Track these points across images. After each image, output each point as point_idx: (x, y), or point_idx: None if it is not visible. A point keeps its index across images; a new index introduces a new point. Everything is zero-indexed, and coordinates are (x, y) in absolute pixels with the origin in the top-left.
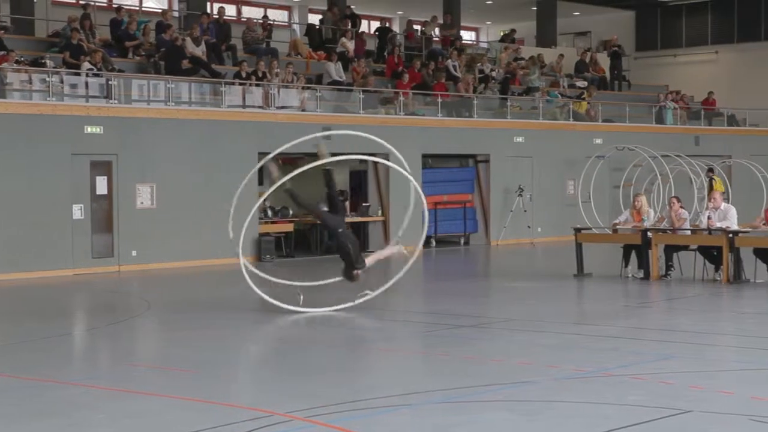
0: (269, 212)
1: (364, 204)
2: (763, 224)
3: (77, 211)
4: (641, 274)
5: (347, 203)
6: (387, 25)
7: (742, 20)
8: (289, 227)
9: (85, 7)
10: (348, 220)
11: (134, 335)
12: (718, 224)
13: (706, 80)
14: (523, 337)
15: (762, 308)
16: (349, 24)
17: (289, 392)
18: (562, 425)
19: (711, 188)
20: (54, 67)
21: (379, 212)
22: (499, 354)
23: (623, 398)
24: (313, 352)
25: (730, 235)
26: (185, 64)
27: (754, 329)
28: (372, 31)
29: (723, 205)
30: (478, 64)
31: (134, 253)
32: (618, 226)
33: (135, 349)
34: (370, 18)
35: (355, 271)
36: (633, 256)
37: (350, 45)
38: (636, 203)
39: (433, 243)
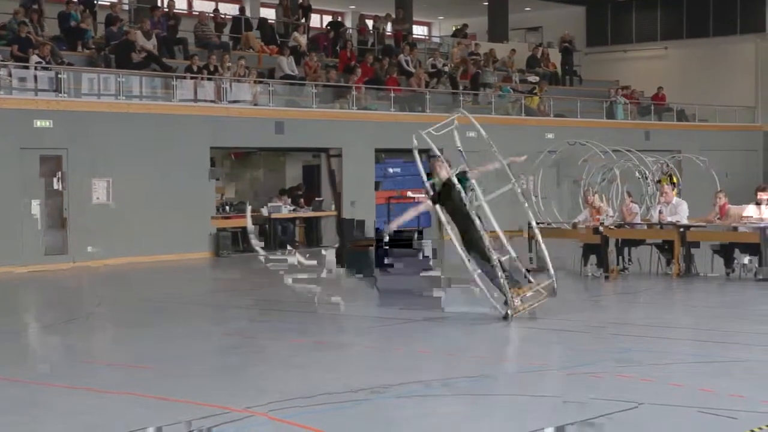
0: (227, 207)
1: (317, 198)
2: (718, 218)
3: (29, 207)
4: (600, 273)
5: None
6: (339, 19)
7: (691, 16)
8: (245, 222)
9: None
10: (301, 215)
11: (89, 332)
12: (669, 218)
13: (656, 76)
14: (479, 331)
15: (711, 301)
16: (302, 18)
17: (245, 388)
18: (517, 419)
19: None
20: (1, 61)
21: (332, 207)
22: (454, 348)
23: (578, 392)
24: (269, 347)
25: (681, 230)
26: (136, 57)
27: (704, 322)
28: (324, 25)
29: (674, 199)
30: (430, 59)
31: (90, 248)
32: (579, 226)
33: (89, 346)
34: (322, 12)
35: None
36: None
37: (302, 39)
38: (590, 201)
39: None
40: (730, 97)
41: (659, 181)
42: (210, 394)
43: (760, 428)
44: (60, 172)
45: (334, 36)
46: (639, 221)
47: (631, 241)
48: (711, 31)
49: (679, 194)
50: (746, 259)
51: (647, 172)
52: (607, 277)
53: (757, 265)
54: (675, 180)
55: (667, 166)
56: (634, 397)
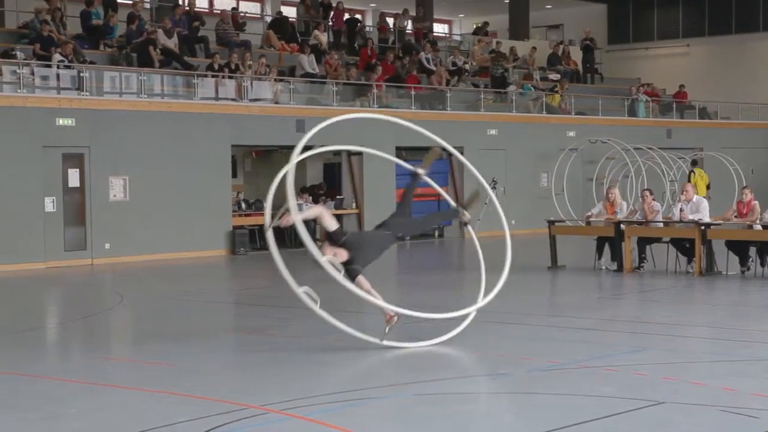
0: (243, 205)
1: (338, 197)
2: (735, 216)
3: (49, 204)
4: (614, 267)
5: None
6: (359, 17)
7: (713, 13)
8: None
9: None
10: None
11: (107, 329)
12: (690, 216)
13: (677, 73)
14: (497, 329)
15: (733, 300)
16: (322, 15)
17: (263, 385)
18: (535, 417)
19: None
20: (24, 59)
21: (353, 205)
22: (473, 346)
23: (596, 390)
24: (289, 345)
25: (702, 228)
26: (157, 56)
27: (726, 321)
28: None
29: (695, 197)
30: (450, 57)
31: (107, 245)
32: (591, 219)
33: (108, 343)
34: (342, 11)
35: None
36: (606, 249)
37: (323, 37)
38: (609, 195)
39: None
40: (752, 95)
41: (692, 171)
42: (228, 391)
43: None
44: (80, 170)
45: (350, 34)
46: (660, 219)
47: (647, 238)
48: (733, 28)
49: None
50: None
51: (667, 171)
52: (620, 271)
53: None
54: (694, 180)
55: (695, 164)
56: (655, 396)
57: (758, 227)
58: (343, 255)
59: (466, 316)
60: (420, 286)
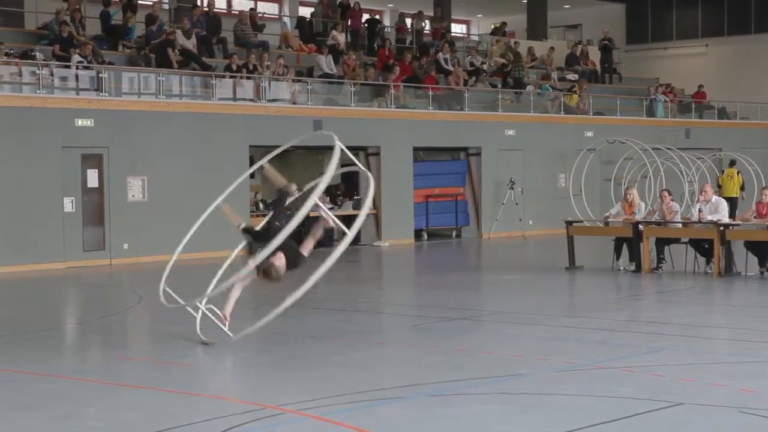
0: (260, 205)
1: (356, 197)
2: (754, 217)
3: (68, 204)
4: (633, 267)
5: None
6: (377, 17)
7: (732, 13)
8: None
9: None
10: (339, 213)
11: (125, 329)
12: (709, 217)
13: (696, 73)
14: (515, 329)
15: (752, 301)
16: (340, 16)
17: (280, 385)
18: (553, 418)
19: (719, 182)
20: (44, 60)
21: (371, 206)
22: (491, 347)
23: (614, 391)
24: (305, 345)
25: (721, 228)
26: (176, 56)
27: (745, 322)
28: (362, 23)
29: (714, 198)
30: (468, 57)
31: (126, 246)
32: (609, 219)
33: (126, 343)
34: (360, 11)
35: None
36: (624, 249)
37: (341, 38)
38: (627, 196)
39: (425, 236)
40: None
41: (728, 168)
42: (245, 391)
43: None
44: (99, 170)
45: (370, 34)
46: (679, 219)
47: (666, 239)
48: (752, 28)
49: (742, 188)
50: None
51: (686, 171)
52: (638, 271)
53: None
54: (722, 180)
55: (732, 163)
56: (674, 397)
57: None
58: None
59: None
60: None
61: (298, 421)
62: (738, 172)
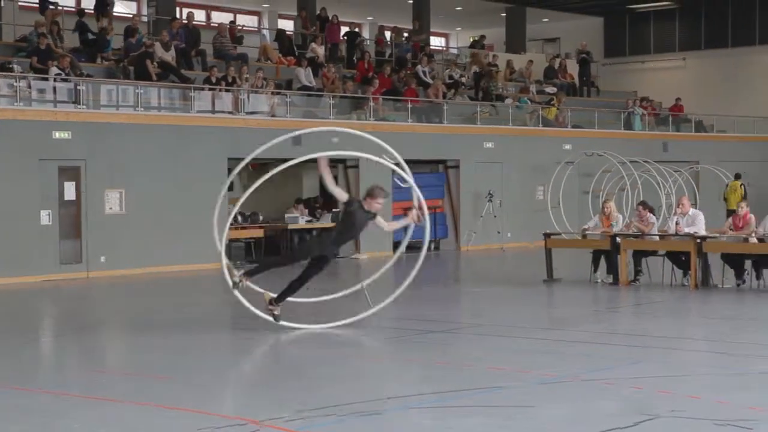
0: (239, 218)
1: (334, 209)
2: (731, 229)
3: (45, 217)
4: (610, 280)
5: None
6: (357, 30)
7: (709, 27)
8: (259, 233)
9: (52, 12)
10: (318, 225)
11: (104, 342)
12: (686, 230)
13: (673, 86)
14: (494, 342)
15: (728, 314)
16: (319, 29)
17: (259, 399)
18: (534, 430)
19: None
20: (21, 72)
21: None
22: (471, 359)
23: (594, 403)
24: (284, 358)
25: (698, 241)
26: (154, 69)
27: (721, 334)
28: (341, 36)
29: (691, 210)
30: (447, 70)
31: (103, 259)
32: (587, 232)
33: (105, 356)
34: (339, 24)
35: None
36: (602, 262)
37: (320, 50)
38: (605, 209)
39: (403, 248)
40: (748, 108)
41: (733, 182)
42: (226, 405)
43: None
44: (76, 183)
45: (349, 47)
46: (656, 232)
47: (643, 251)
48: (729, 42)
49: (744, 196)
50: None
51: (663, 184)
52: (616, 284)
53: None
54: (727, 193)
55: (738, 176)
56: (651, 409)
57: (754, 240)
58: None
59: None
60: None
61: None
62: (742, 185)
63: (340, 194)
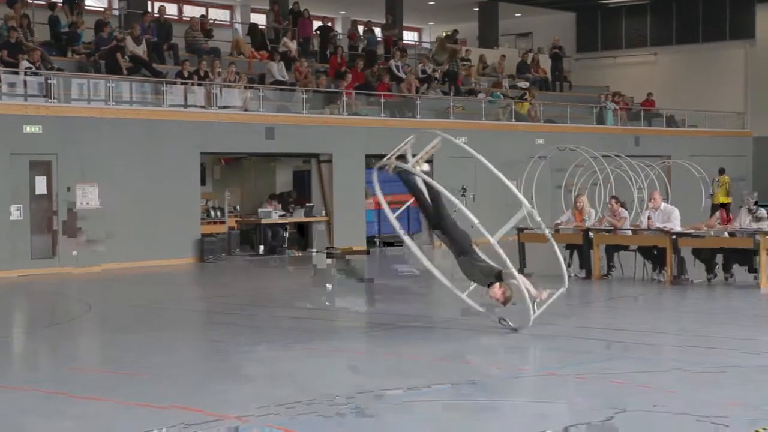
0: (212, 212)
1: (307, 204)
2: (719, 223)
3: (16, 212)
4: (583, 274)
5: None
6: (329, 24)
7: (680, 22)
8: (224, 228)
9: (21, 5)
10: (291, 220)
11: (76, 338)
12: (659, 225)
13: (645, 81)
14: (467, 336)
15: (701, 308)
16: (291, 23)
17: (234, 394)
18: (506, 424)
19: (712, 190)
20: None
21: (323, 212)
22: (443, 354)
23: (567, 398)
24: (257, 353)
25: (674, 237)
26: (126, 63)
27: (696, 328)
28: (313, 31)
29: (663, 205)
30: (420, 65)
31: (74, 253)
32: (560, 226)
33: (77, 352)
34: (312, 18)
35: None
36: (575, 256)
37: (292, 45)
38: (578, 203)
39: (378, 243)
40: (719, 103)
41: (720, 177)
42: (198, 400)
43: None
44: (47, 177)
45: (322, 41)
46: (628, 226)
47: (615, 246)
48: (700, 37)
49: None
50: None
51: (635, 178)
52: (588, 278)
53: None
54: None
55: (722, 171)
56: (625, 404)
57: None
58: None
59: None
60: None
61: (252, 429)
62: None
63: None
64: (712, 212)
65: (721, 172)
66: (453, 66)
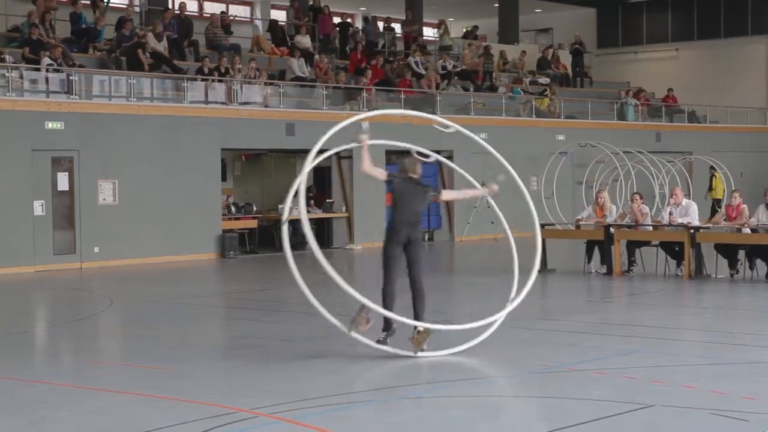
0: (233, 208)
1: (327, 200)
2: (724, 220)
3: (38, 208)
4: (604, 270)
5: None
6: (349, 20)
7: (702, 18)
8: (252, 223)
9: (44, 2)
10: (311, 216)
11: (97, 332)
12: (680, 220)
13: (666, 77)
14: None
15: (722, 303)
16: (312, 19)
17: (254, 389)
18: (525, 420)
19: (711, 186)
20: (13, 62)
21: (343, 209)
22: (461, 349)
23: (587, 393)
24: (278, 348)
25: (692, 231)
26: (147, 59)
27: (715, 324)
28: (333, 27)
29: (684, 201)
30: (440, 61)
31: (96, 249)
32: (581, 222)
33: (98, 346)
34: (332, 14)
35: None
36: (596, 252)
37: (305, 40)
38: (599, 199)
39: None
40: (741, 99)
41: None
42: (218, 394)
43: None
44: (69, 174)
45: (342, 38)
46: (650, 222)
47: (636, 242)
48: (722, 33)
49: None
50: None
51: (656, 174)
52: (609, 274)
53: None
54: (715, 184)
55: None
56: (645, 399)
57: (747, 230)
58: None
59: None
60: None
61: (270, 424)
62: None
63: (380, 173)
64: (712, 209)
65: (713, 168)
66: (488, 65)
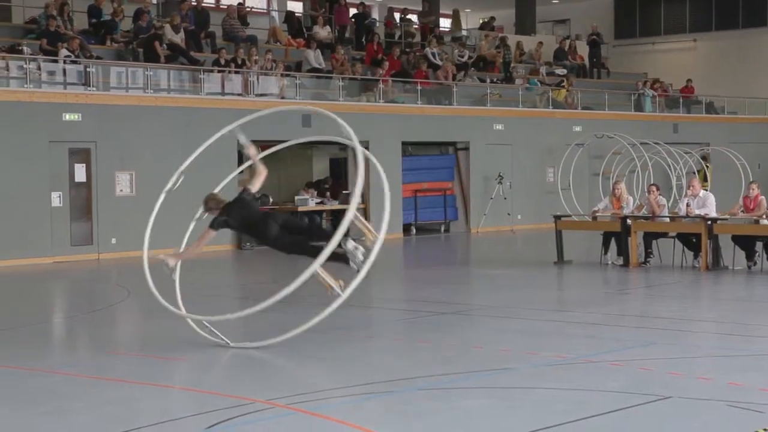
0: None
1: (344, 192)
2: (742, 211)
3: (56, 199)
4: (621, 261)
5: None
6: (366, 11)
7: (720, 8)
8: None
9: None
10: (327, 207)
11: (114, 323)
12: (697, 211)
13: (684, 68)
14: (504, 324)
15: (739, 295)
16: (328, 10)
17: (270, 380)
18: (542, 411)
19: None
20: (31, 54)
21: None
22: (479, 341)
23: (603, 384)
24: (295, 339)
25: (709, 223)
26: (164, 51)
27: (732, 316)
28: (350, 18)
29: (702, 192)
30: (456, 52)
31: (114, 240)
32: (597, 214)
33: (115, 337)
34: (348, 5)
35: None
36: (612, 243)
37: (322, 32)
38: (616, 190)
39: (414, 231)
40: (759, 89)
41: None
42: (235, 385)
43: None
44: (86, 165)
45: (357, 28)
46: (667, 213)
47: (654, 233)
48: (740, 23)
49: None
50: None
51: (674, 166)
52: (626, 266)
53: None
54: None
55: (702, 159)
56: (662, 391)
57: (765, 222)
58: None
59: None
60: (426, 282)
61: (287, 415)
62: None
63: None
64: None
65: (704, 158)
66: (507, 55)
